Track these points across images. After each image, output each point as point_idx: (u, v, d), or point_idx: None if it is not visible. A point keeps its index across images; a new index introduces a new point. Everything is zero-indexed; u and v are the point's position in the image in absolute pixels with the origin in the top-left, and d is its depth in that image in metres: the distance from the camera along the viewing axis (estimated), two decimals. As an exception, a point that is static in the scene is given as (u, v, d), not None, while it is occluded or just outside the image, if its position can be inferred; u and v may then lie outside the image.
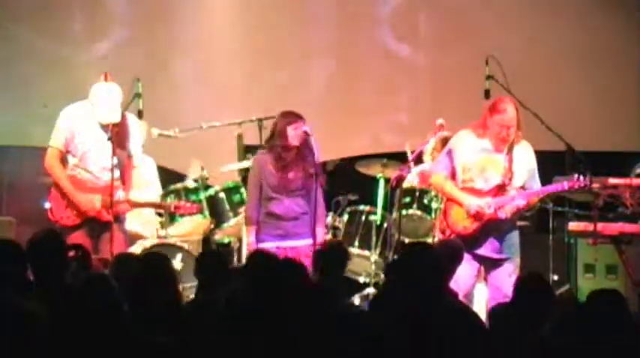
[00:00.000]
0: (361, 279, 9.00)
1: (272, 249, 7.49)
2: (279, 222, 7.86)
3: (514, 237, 7.49)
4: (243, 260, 8.44)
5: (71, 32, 10.38)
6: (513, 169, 7.40)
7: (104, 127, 7.88)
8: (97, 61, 10.00)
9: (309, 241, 7.86)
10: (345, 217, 9.19)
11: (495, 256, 7.41)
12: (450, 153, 7.57)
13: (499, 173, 7.42)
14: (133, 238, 8.62)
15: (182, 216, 8.66)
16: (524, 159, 7.45)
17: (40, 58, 10.28)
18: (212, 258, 6.35)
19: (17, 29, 10.25)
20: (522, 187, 7.47)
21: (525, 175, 7.45)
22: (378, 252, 9.08)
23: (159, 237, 8.76)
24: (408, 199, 8.99)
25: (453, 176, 7.53)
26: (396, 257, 7.69)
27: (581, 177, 7.31)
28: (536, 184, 7.53)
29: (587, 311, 4.65)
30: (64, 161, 7.97)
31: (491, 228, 7.39)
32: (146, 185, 8.89)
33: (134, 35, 10.47)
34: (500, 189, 7.41)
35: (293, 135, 7.82)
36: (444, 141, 8.37)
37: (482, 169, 7.44)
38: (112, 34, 10.41)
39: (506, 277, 7.34)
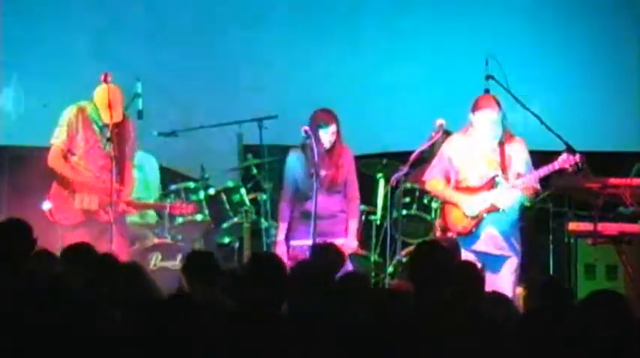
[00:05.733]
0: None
1: (305, 246, 7.53)
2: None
3: (515, 235, 7.52)
4: (244, 260, 8.44)
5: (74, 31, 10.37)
6: (506, 163, 7.45)
7: (105, 127, 7.89)
8: (99, 61, 10.00)
9: (344, 240, 7.84)
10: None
11: (497, 252, 7.44)
12: (443, 157, 7.63)
13: (493, 167, 7.46)
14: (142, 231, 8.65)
15: (180, 216, 8.64)
16: (516, 153, 7.50)
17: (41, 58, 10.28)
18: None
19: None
20: None
21: (519, 168, 7.47)
22: (377, 252, 9.08)
23: (159, 236, 8.76)
24: (408, 199, 8.99)
25: (448, 180, 7.58)
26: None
27: (571, 156, 7.33)
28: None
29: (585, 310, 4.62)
30: (65, 159, 7.99)
31: (489, 222, 7.41)
32: (146, 185, 8.89)
33: (134, 35, 10.47)
34: (495, 182, 7.44)
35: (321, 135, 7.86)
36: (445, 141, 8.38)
37: (476, 167, 7.48)
38: (113, 34, 10.40)
39: (507, 275, 7.38)
